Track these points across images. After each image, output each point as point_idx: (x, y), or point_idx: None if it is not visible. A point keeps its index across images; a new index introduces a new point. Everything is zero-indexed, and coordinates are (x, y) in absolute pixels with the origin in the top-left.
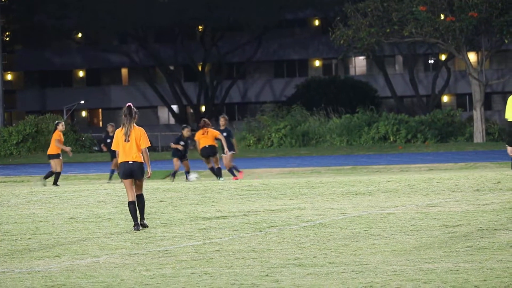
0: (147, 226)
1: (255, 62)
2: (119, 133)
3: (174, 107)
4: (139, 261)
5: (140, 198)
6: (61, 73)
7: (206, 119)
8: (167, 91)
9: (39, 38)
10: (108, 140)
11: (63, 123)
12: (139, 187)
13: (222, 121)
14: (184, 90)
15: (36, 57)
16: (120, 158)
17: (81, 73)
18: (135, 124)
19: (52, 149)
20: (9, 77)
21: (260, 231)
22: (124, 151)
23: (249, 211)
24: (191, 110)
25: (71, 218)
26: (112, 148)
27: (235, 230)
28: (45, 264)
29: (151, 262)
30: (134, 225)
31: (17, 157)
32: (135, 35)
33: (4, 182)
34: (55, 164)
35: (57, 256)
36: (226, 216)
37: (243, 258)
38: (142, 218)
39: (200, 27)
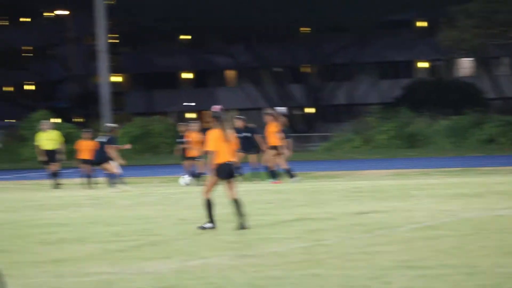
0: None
1: (360, 63)
2: (217, 134)
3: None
4: (249, 263)
5: (236, 201)
6: (168, 75)
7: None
8: (272, 92)
9: (146, 41)
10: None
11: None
12: (234, 188)
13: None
14: (289, 91)
15: (143, 59)
16: (220, 159)
17: (188, 75)
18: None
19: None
20: (117, 79)
21: (369, 232)
22: (223, 153)
23: (357, 213)
24: (298, 112)
25: (181, 219)
26: (209, 149)
27: (344, 232)
28: (155, 265)
29: (261, 263)
30: (210, 222)
31: (125, 158)
32: (241, 37)
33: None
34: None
35: (167, 257)
36: (334, 218)
37: (352, 259)
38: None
39: (305, 28)
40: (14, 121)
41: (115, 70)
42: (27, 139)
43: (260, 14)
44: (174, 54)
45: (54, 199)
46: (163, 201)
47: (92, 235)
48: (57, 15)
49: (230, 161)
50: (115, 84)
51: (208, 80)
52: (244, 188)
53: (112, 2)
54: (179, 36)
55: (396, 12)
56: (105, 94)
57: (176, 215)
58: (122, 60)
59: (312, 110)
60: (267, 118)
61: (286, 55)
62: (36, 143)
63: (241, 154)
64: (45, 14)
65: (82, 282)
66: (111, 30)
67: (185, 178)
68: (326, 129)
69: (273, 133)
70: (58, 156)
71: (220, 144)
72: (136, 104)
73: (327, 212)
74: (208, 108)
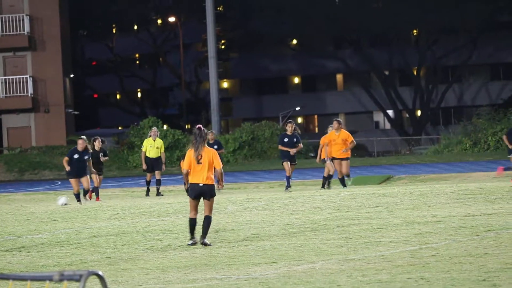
0: (208, 245)
1: (470, 65)
2: (190, 154)
3: (390, 112)
4: (355, 267)
5: (207, 219)
6: (276, 80)
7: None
8: (382, 96)
9: (254, 46)
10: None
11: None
12: (209, 207)
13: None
14: (399, 94)
15: (251, 65)
16: (191, 179)
17: (296, 80)
18: (206, 145)
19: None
20: (225, 85)
21: (477, 235)
22: (195, 173)
23: (465, 215)
24: (407, 115)
25: (287, 224)
26: (183, 167)
27: (451, 235)
28: (262, 270)
29: (367, 267)
30: (190, 238)
31: (233, 164)
32: (349, 40)
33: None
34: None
35: (273, 262)
36: (442, 221)
37: (460, 262)
38: (203, 237)
39: (414, 31)
40: (123, 128)
41: (224, 76)
42: (136, 146)
43: (369, 17)
44: (283, 59)
45: (161, 206)
46: (270, 206)
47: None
48: (167, 22)
49: (200, 183)
50: (224, 90)
51: (316, 84)
52: (351, 193)
53: (220, 9)
54: (288, 41)
55: (507, 13)
56: (214, 100)
57: (283, 220)
58: (231, 65)
59: (421, 112)
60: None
61: (395, 58)
62: (142, 150)
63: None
64: (154, 22)
65: None
66: (220, 36)
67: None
68: (435, 132)
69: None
70: (163, 164)
71: (193, 165)
72: (245, 109)
73: (435, 215)
74: (316, 112)
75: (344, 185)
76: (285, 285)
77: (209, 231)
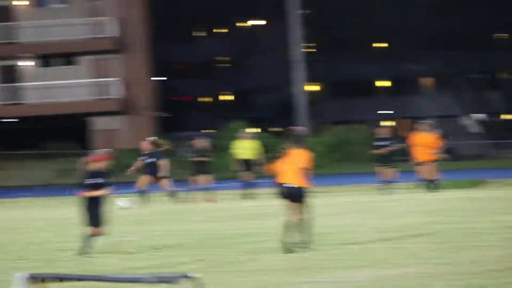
0: (305, 248)
1: None
2: (283, 157)
3: (479, 116)
4: (448, 271)
5: (301, 222)
6: (364, 84)
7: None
8: (471, 99)
9: (343, 49)
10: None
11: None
12: (302, 211)
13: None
14: (488, 98)
15: (340, 68)
16: (283, 181)
17: (384, 83)
18: (299, 148)
19: None
20: (313, 88)
21: None
22: (287, 175)
23: None
24: (496, 118)
25: (380, 228)
26: (275, 169)
27: None
28: (356, 274)
29: (460, 271)
30: (284, 241)
31: (323, 167)
32: (437, 44)
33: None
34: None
35: (366, 266)
36: None
37: None
38: (300, 241)
39: (501, 34)
40: (210, 131)
41: (311, 80)
42: (223, 149)
43: (456, 21)
44: (371, 62)
45: (253, 209)
46: (361, 209)
47: (291, 244)
48: (252, 26)
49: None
50: (311, 93)
51: (404, 88)
52: (442, 196)
53: (308, 11)
54: (375, 44)
55: None
56: (301, 104)
57: (375, 223)
58: (319, 69)
59: (510, 116)
60: (423, 129)
61: (482, 62)
62: (232, 152)
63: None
64: (240, 25)
65: None
66: (306, 40)
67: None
68: None
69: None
70: (256, 167)
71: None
72: (333, 112)
73: None
74: (405, 115)
75: (430, 189)
76: None
77: (304, 234)
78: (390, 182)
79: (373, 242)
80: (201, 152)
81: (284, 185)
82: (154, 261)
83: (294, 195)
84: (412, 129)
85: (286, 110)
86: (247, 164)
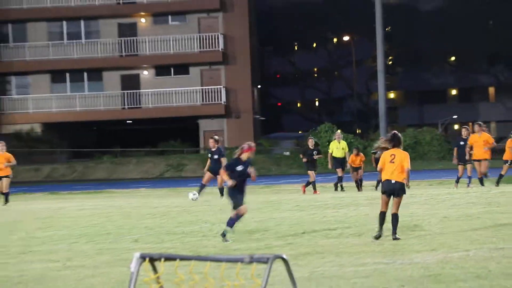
0: (398, 239)
1: None
2: (385, 154)
3: None
4: (505, 255)
5: (395, 216)
6: (436, 92)
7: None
8: None
9: (418, 61)
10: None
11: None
12: (397, 205)
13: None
14: None
15: (416, 78)
16: (384, 177)
17: (453, 92)
18: (400, 149)
19: None
20: (391, 95)
21: None
22: (388, 171)
23: None
24: None
25: (445, 217)
26: (379, 165)
27: None
28: (423, 256)
29: None
30: (378, 231)
31: None
32: (501, 57)
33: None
34: None
35: (433, 249)
36: None
37: None
38: (394, 232)
39: None
40: (303, 132)
41: (391, 88)
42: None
43: None
44: (442, 73)
45: (337, 200)
46: (430, 201)
47: (368, 231)
48: (342, 41)
49: (393, 180)
50: (391, 100)
51: (471, 96)
52: (501, 190)
53: (388, 29)
54: (447, 57)
55: None
56: (382, 109)
57: (441, 213)
58: (398, 79)
59: None
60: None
61: None
62: (328, 151)
63: None
64: (330, 39)
65: (359, 271)
66: (388, 53)
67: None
68: None
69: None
70: (345, 163)
71: (387, 164)
72: (408, 117)
73: None
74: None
75: (483, 184)
76: (443, 269)
77: (395, 225)
78: (459, 178)
79: (440, 229)
80: (312, 150)
81: (389, 181)
82: (250, 244)
83: (396, 190)
84: (472, 131)
85: (369, 115)
86: (341, 161)
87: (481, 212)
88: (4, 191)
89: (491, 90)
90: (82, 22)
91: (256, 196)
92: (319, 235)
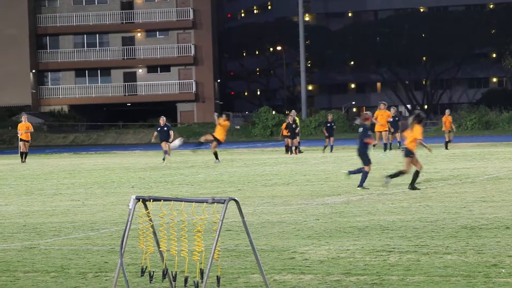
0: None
1: None
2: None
3: None
4: (388, 198)
5: (416, 172)
6: (340, 85)
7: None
8: None
9: (328, 64)
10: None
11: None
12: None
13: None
14: None
15: (326, 76)
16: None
17: (352, 85)
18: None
19: None
20: (310, 87)
21: (460, 180)
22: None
23: (453, 169)
24: None
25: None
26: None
27: (444, 181)
28: (331, 199)
29: (394, 198)
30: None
31: (314, 135)
32: (385, 61)
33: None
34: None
35: (339, 194)
36: (440, 172)
37: (449, 197)
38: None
39: None
40: (248, 112)
41: (309, 82)
42: (255, 123)
43: None
44: (345, 72)
45: (270, 160)
46: (336, 161)
47: (294, 181)
48: (275, 49)
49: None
50: (309, 90)
51: (364, 88)
52: None
53: (308, 42)
54: (348, 61)
55: (479, 48)
56: (303, 97)
57: (345, 169)
58: (314, 76)
59: None
60: None
61: None
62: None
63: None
64: (268, 48)
65: (287, 209)
66: (308, 58)
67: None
68: None
69: None
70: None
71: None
72: (321, 102)
73: (435, 168)
74: (365, 105)
75: (387, 149)
76: (345, 208)
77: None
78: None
79: (344, 180)
80: (292, 124)
81: (405, 147)
82: (212, 190)
83: (408, 154)
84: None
85: (294, 101)
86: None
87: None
88: (25, 151)
89: (378, 84)
90: (97, 36)
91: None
92: (259, 184)
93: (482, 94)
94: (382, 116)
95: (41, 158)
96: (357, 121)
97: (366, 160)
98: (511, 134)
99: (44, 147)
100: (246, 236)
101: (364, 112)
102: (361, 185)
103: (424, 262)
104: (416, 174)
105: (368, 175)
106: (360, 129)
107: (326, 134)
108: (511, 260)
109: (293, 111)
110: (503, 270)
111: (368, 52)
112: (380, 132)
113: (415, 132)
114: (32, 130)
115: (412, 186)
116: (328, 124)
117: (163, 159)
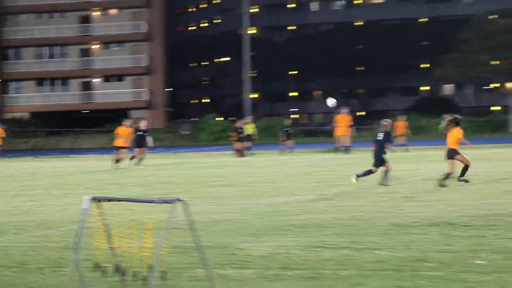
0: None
1: None
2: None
3: None
4: (300, 200)
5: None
6: (282, 94)
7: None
8: None
9: (271, 74)
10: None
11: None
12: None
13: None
14: None
15: (269, 85)
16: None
17: (294, 94)
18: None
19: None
20: (254, 96)
21: (396, 180)
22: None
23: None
24: None
25: (290, 175)
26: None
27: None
28: (273, 199)
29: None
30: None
31: (260, 140)
32: (324, 71)
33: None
34: None
35: (280, 195)
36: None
37: (378, 193)
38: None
39: None
40: (196, 119)
41: (253, 91)
42: (203, 129)
43: None
44: (287, 82)
45: (216, 163)
46: (280, 164)
47: (240, 183)
48: (222, 60)
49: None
50: (253, 98)
51: (304, 97)
52: None
53: (252, 53)
54: (289, 71)
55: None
56: (247, 105)
57: (288, 172)
58: (258, 85)
59: None
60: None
61: None
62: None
63: None
64: (215, 59)
65: (232, 209)
66: (252, 68)
67: None
68: None
69: None
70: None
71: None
72: (264, 110)
73: None
74: (306, 112)
75: (347, 153)
76: (286, 207)
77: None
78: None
79: (286, 182)
80: (241, 130)
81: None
82: (160, 191)
83: (451, 155)
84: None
85: (241, 108)
86: (249, 137)
87: (312, 171)
88: None
89: (317, 93)
90: (58, 48)
91: (166, 159)
92: (206, 185)
93: (416, 101)
94: (343, 121)
95: (4, 162)
96: (380, 129)
97: (378, 163)
98: (440, 139)
99: (6, 151)
100: (192, 233)
101: (384, 120)
102: (360, 176)
103: (356, 257)
104: (466, 168)
105: (386, 174)
106: (380, 135)
107: (283, 138)
108: (436, 255)
109: (246, 118)
110: (428, 264)
111: (309, 63)
112: (341, 135)
113: (456, 133)
114: (5, 135)
115: (461, 179)
116: (286, 129)
117: (131, 159)
